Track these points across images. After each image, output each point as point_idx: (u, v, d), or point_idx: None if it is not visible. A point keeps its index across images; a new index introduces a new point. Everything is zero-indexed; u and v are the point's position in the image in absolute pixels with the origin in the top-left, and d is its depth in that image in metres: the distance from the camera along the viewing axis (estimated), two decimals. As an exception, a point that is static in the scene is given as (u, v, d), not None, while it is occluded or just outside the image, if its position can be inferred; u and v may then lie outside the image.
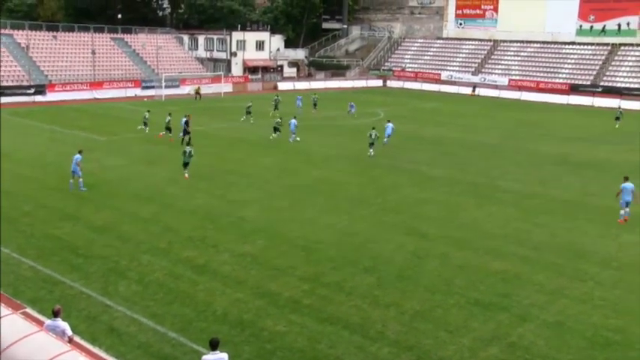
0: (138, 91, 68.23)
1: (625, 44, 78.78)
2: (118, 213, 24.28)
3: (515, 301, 17.22)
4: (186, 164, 30.12)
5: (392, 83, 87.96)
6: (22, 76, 63.39)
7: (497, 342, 14.94)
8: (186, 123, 38.29)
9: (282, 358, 14.04)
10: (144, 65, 75.20)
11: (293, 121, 40.60)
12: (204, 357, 11.51)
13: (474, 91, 79.45)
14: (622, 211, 25.07)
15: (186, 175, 30.01)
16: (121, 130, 44.14)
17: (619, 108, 59.13)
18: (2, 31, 68.43)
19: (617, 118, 54.02)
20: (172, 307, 16.26)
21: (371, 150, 36.67)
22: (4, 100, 57.11)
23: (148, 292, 17.15)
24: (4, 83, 60.48)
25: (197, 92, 66.00)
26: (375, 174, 32.22)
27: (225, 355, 11.48)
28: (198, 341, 14.23)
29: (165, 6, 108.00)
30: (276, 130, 41.29)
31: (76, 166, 27.05)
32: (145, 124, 42.50)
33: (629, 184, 25.09)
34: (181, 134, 37.94)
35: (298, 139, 40.35)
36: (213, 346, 11.49)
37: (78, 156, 27.23)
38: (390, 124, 40.74)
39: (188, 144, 32.63)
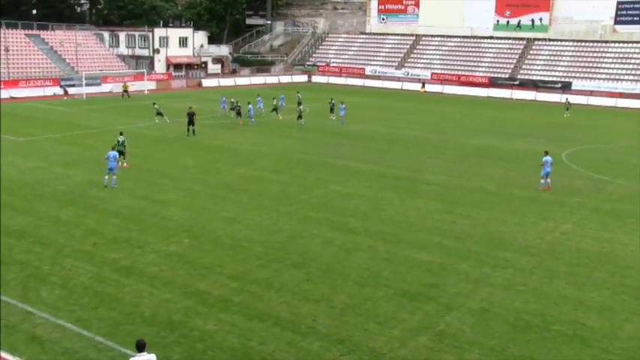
0: (57, 90, 65.95)
1: (539, 39, 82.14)
2: (37, 217, 23.42)
3: (441, 291, 17.68)
4: (121, 153, 30.85)
5: (317, 78, 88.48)
6: None
7: (425, 331, 15.32)
8: (190, 114, 41.01)
9: (213, 357, 13.93)
10: (63, 63, 72.70)
11: (249, 106, 46.73)
12: (130, 359, 11.31)
13: (423, 87, 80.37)
14: (542, 181, 29.32)
15: (125, 164, 31.10)
16: (39, 130, 42.58)
17: (567, 100, 62.05)
18: None
19: (567, 109, 59.08)
20: (98, 310, 15.86)
21: (301, 121, 45.80)
22: None
23: (72, 296, 16.66)
24: None
25: (125, 90, 64.40)
26: (300, 171, 32.31)
27: (152, 357, 11.31)
28: (126, 344, 13.93)
29: (82, 2, 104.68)
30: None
31: (114, 162, 27.60)
32: (160, 114, 46.45)
33: (548, 158, 29.34)
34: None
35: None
36: (140, 347, 11.29)
37: (114, 153, 27.98)
38: (343, 105, 47.77)
39: (193, 133, 39.91)
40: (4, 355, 13.24)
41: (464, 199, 27.66)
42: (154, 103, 48.69)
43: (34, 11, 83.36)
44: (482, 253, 20.87)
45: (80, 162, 32.85)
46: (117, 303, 16.33)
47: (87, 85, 65.09)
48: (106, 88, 69.01)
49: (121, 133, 32.61)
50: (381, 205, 26.42)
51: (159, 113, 46.83)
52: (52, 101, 60.13)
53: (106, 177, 27.95)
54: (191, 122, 41.17)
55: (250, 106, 47.16)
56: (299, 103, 54.95)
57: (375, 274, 18.79)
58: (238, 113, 47.58)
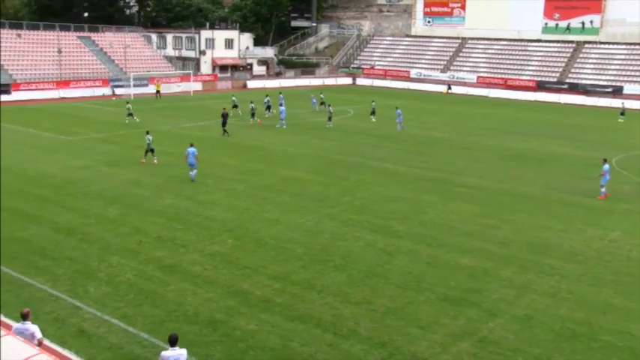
0: (106, 90, 67.46)
1: (588, 42, 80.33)
2: (84, 214, 23.97)
3: (484, 297, 17.45)
4: (152, 150, 32.61)
5: (361, 81, 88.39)
6: (-15, 76, 62.19)
7: (467, 337, 15.14)
8: (224, 115, 42.28)
9: (254, 357, 14.03)
10: (112, 64, 74.34)
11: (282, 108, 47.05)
12: (162, 353, 11.45)
13: (449, 89, 79.90)
14: (602, 190, 28.48)
15: (155, 160, 32.42)
16: (87, 130, 43.63)
17: (622, 105, 60.30)
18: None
19: (622, 114, 57.44)
20: (143, 307, 16.14)
21: (329, 123, 46.41)
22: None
23: (118, 293, 17.00)
24: (-33, 83, 59.28)
25: (157, 91, 65.45)
26: (340, 172, 32.28)
27: (183, 351, 11.45)
28: (170, 342, 14.14)
29: (132, 4, 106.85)
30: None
31: (193, 159, 28.91)
32: (236, 106, 50.28)
33: (607, 166, 28.56)
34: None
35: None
36: (172, 342, 11.44)
37: (193, 149, 29.01)
38: (399, 111, 46.07)
39: (227, 133, 41.13)
40: (54, 347, 13.58)
41: (506, 203, 27.26)
42: (127, 102, 50.22)
43: (86, 14, 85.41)
44: (526, 259, 20.52)
45: (124, 161, 33.50)
46: (161, 301, 16.59)
47: (134, 85, 66.35)
48: (152, 89, 70.22)
49: (148, 132, 33.35)
50: (423, 208, 26.23)
51: (130, 114, 47.41)
52: (100, 101, 61.52)
53: (190, 173, 29.28)
54: (224, 123, 41.89)
55: (283, 107, 47.24)
56: (322, 103, 55.42)
57: (416, 277, 18.66)
58: (252, 114, 47.60)
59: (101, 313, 15.69)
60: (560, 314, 16.48)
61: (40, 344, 11.58)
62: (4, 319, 14.69)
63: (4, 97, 59.49)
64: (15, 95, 60.37)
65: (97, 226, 22.66)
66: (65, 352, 13.60)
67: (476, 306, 16.86)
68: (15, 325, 12.38)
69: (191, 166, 29.24)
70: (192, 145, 29.65)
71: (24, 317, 12.02)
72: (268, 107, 52.06)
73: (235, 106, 50.81)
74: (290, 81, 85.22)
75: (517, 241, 22.22)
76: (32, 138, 40.15)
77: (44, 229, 22.05)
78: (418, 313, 16.34)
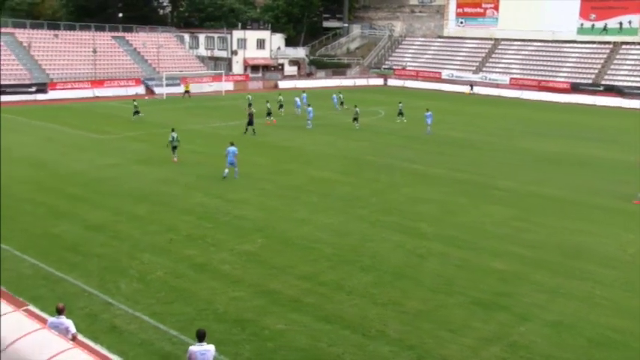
0: (139, 90, 68.30)
1: (626, 43, 78.77)
2: (114, 212, 24.27)
3: (515, 301, 17.22)
4: (174, 148, 33.04)
5: (393, 82, 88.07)
6: (23, 75, 63.45)
7: (498, 341, 14.96)
8: (251, 115, 43.05)
9: (283, 356, 14.05)
10: (145, 64, 75.24)
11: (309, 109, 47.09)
12: (190, 348, 11.54)
13: (471, 89, 79.50)
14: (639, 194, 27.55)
15: (175, 158, 32.80)
16: (119, 128, 44.23)
17: None
18: (3, 29, 68.53)
19: None
20: (174, 305, 16.28)
21: (356, 124, 45.75)
22: (6, 98, 57.23)
23: (149, 290, 17.18)
24: (6, 82, 60.50)
25: (186, 90, 65.99)
26: (369, 173, 32.15)
27: (211, 347, 11.52)
28: (199, 340, 14.24)
29: (165, 5, 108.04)
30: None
31: (233, 158, 29.47)
32: (281, 105, 51.32)
33: None
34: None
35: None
36: (201, 337, 11.52)
37: (233, 148, 29.56)
38: (429, 113, 45.02)
39: (253, 132, 41.59)
40: (87, 342, 13.78)
41: (539, 207, 26.87)
42: (134, 100, 51.28)
43: (120, 14, 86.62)
44: (559, 263, 20.20)
45: (154, 160, 33.83)
46: (191, 299, 16.71)
47: (167, 85, 67.04)
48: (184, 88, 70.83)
49: (173, 130, 33.78)
50: (453, 210, 26.01)
51: (136, 112, 48.38)
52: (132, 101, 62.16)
53: (226, 170, 29.66)
54: (251, 122, 42.35)
55: (310, 108, 47.22)
56: (342, 103, 55.49)
57: (447, 280, 18.50)
58: (269, 114, 48.14)
59: (132, 310, 15.87)
60: (593, 320, 16.18)
61: (74, 339, 11.76)
62: (39, 313, 14.94)
63: (41, 96, 60.73)
64: (51, 94, 61.49)
65: (128, 223, 22.92)
66: (97, 347, 13.78)
67: (507, 310, 16.65)
68: (50, 319, 12.60)
69: (231, 164, 29.66)
70: (232, 144, 30.05)
71: (59, 312, 12.23)
72: (281, 106, 52.68)
73: (250, 104, 51.30)
74: (321, 81, 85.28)
75: (550, 245, 21.90)
76: (66, 136, 40.82)
77: (75, 226, 22.39)
78: (449, 316, 16.19)
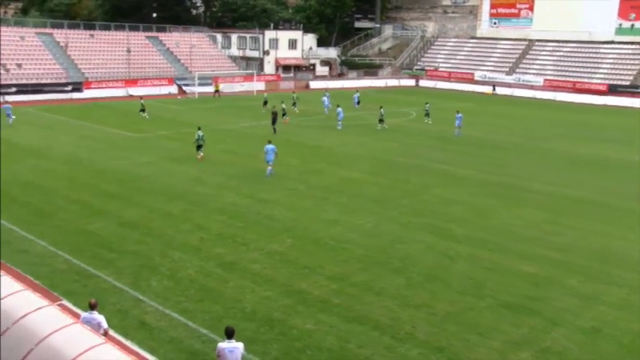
0: (171, 89, 69.01)
1: (666, 44, 77.03)
2: (148, 209, 24.56)
3: (547, 305, 16.97)
4: (200, 146, 33.62)
5: (424, 83, 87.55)
6: (60, 74, 64.59)
7: (528, 346, 14.75)
8: (274, 113, 43.74)
9: (310, 356, 14.05)
10: (177, 63, 75.98)
11: (339, 109, 46.47)
12: (219, 344, 11.60)
13: (494, 90, 78.73)
14: None
15: (201, 154, 33.56)
16: (153, 127, 44.72)
17: None
18: (42, 30, 70.30)
19: None
20: (203, 303, 16.40)
21: (379, 125, 45.62)
22: (43, 97, 58.46)
23: (179, 287, 17.33)
24: (43, 81, 61.91)
25: (216, 90, 66.44)
26: (400, 174, 32.01)
27: (240, 345, 11.56)
28: (228, 338, 14.31)
29: (198, 5, 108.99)
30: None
31: (272, 156, 30.13)
32: (295, 104, 52.96)
33: None
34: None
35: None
36: (229, 334, 11.58)
37: (272, 146, 30.22)
38: (460, 115, 44.30)
39: (274, 131, 41.78)
40: (118, 337, 13.95)
41: (572, 210, 26.44)
42: (141, 97, 52.66)
43: (154, 14, 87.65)
44: (593, 268, 19.84)
45: (187, 158, 34.10)
46: (220, 297, 16.82)
47: (199, 84, 67.60)
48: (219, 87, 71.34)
49: (199, 128, 34.28)
50: (485, 212, 25.74)
51: (142, 110, 49.62)
52: (166, 100, 62.93)
53: (269, 168, 30.24)
54: (274, 121, 42.91)
55: (340, 109, 46.74)
56: (359, 102, 55.45)
57: (477, 283, 18.32)
58: (283, 114, 48.81)
59: (162, 307, 16.02)
60: (630, 328, 15.83)
61: (105, 334, 11.92)
62: (72, 307, 15.17)
63: (77, 95, 61.76)
64: (86, 93, 62.49)
65: (160, 221, 23.17)
66: (128, 343, 13.95)
67: (538, 314, 16.41)
68: (83, 314, 12.79)
69: (269, 162, 30.09)
70: (270, 142, 30.63)
71: (92, 307, 12.41)
72: (294, 104, 54.25)
73: (265, 103, 53.82)
74: (352, 82, 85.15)
75: (583, 249, 21.53)
76: (101, 134, 41.42)
77: (110, 223, 22.70)
78: (478, 319, 16.03)
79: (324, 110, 53.20)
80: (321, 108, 54.01)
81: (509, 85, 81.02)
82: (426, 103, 52.07)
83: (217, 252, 20.16)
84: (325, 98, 54.34)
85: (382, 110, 47.08)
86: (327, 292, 17.32)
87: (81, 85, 63.64)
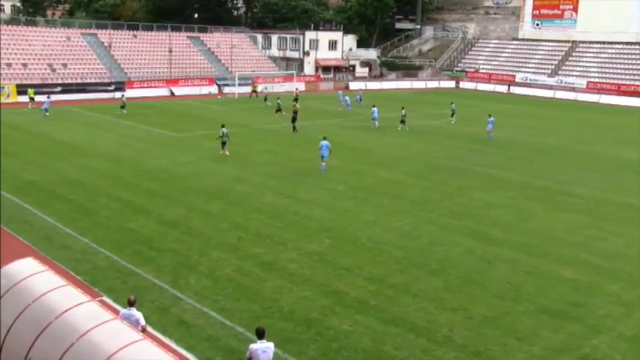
0: (212, 89, 69.73)
1: None
2: (188, 208, 24.85)
3: (588, 311, 16.65)
4: (224, 143, 34.74)
5: (465, 84, 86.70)
6: (103, 74, 65.89)
7: (568, 352, 14.50)
8: (295, 112, 44.99)
9: (347, 357, 14.05)
10: (218, 64, 76.76)
11: (374, 109, 46.76)
12: (251, 345, 11.68)
13: (509, 89, 77.69)
14: None
15: (226, 152, 34.55)
16: (193, 126, 45.26)
17: None
18: (87, 30, 71.98)
19: None
20: (240, 302, 16.53)
21: (400, 126, 45.58)
22: (87, 96, 59.73)
23: (217, 286, 17.51)
24: (87, 80, 63.33)
25: (254, 90, 66.78)
26: (441, 176, 31.75)
27: (271, 344, 11.62)
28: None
29: (239, 5, 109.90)
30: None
31: (327, 151, 30.95)
32: (296, 99, 53.18)
33: None
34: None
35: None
36: (260, 334, 11.65)
37: (327, 142, 31.11)
38: (492, 119, 43.18)
39: (294, 129, 42.88)
40: (156, 334, 14.17)
41: (617, 216, 25.87)
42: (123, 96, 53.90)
43: (196, 15, 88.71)
44: (637, 275, 19.37)
45: (227, 158, 34.41)
46: (258, 296, 16.93)
47: (239, 85, 68.14)
48: (257, 88, 71.73)
49: (223, 126, 35.56)
50: (526, 216, 25.37)
51: (122, 107, 51.00)
52: (206, 99, 63.65)
53: (323, 164, 31.09)
54: (294, 119, 43.85)
55: (375, 108, 46.95)
56: (372, 106, 55.46)
57: (516, 287, 18.07)
58: (278, 109, 50.84)
59: (200, 305, 16.21)
60: (672, 336, 15.46)
61: (143, 330, 12.13)
62: (111, 304, 15.47)
63: (120, 95, 62.81)
64: (129, 93, 63.47)
65: (200, 220, 23.43)
66: (166, 340, 14.15)
67: (579, 321, 16.11)
68: (122, 310, 13.04)
69: (323, 157, 30.83)
70: (325, 139, 31.33)
71: (130, 304, 12.64)
72: (296, 99, 55.07)
73: (265, 99, 56.03)
74: (392, 83, 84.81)
75: (626, 256, 21.06)
76: (143, 133, 42.10)
77: (151, 221, 23.05)
78: (516, 323, 15.82)
79: (342, 105, 54.35)
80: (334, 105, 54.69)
81: (550, 87, 79.62)
82: (452, 103, 51.65)
83: (255, 251, 20.31)
84: (340, 92, 55.97)
85: (404, 111, 46.82)
86: (365, 293, 17.30)
87: (124, 84, 64.75)
